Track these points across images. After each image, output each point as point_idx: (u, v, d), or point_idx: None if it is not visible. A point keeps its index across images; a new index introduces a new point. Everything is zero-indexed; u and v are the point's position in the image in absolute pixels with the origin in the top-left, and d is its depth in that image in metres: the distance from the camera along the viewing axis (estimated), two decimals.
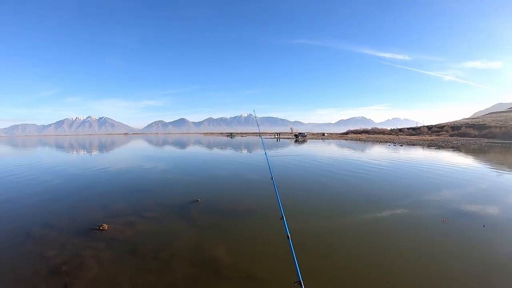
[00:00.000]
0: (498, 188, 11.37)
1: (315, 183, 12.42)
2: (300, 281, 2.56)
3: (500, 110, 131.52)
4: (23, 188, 11.79)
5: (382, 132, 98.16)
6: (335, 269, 5.03)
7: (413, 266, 5.09)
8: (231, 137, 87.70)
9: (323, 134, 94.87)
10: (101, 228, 6.84)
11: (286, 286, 4.35)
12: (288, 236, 3.05)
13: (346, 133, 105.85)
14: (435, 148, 33.25)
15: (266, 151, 7.62)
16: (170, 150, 36.01)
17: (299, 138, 71.13)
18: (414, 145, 40.09)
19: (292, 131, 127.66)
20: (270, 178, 5.02)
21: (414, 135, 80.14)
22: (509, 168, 17.55)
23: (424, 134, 79.20)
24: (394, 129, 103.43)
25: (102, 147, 44.23)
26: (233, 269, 5.02)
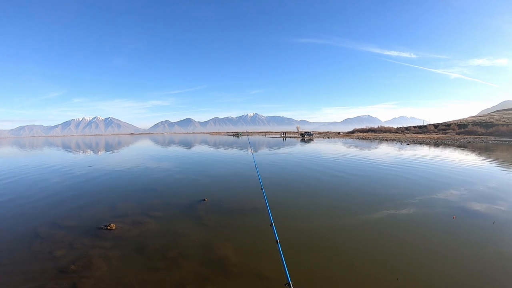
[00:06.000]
0: (506, 186, 11.23)
1: (319, 182, 12.36)
2: (289, 282, 2.69)
3: (507, 108, 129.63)
4: (31, 189, 11.95)
5: (389, 130, 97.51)
6: (341, 268, 4.99)
7: (422, 264, 5.04)
8: (237, 137, 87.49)
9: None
10: (108, 227, 6.89)
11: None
12: (277, 241, 3.23)
13: (352, 131, 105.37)
14: (442, 147, 32.94)
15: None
16: (176, 150, 36.11)
17: (305, 137, 70.96)
18: (420, 143, 39.72)
19: (298, 130, 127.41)
20: (260, 189, 5.13)
21: (420, 133, 79.55)
22: None
23: (430, 133, 78.51)
24: (400, 127, 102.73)
25: (109, 148, 44.58)
26: (241, 268, 5.02)
